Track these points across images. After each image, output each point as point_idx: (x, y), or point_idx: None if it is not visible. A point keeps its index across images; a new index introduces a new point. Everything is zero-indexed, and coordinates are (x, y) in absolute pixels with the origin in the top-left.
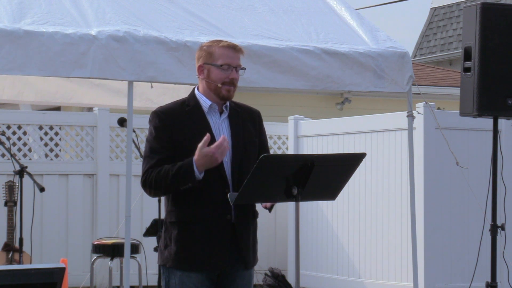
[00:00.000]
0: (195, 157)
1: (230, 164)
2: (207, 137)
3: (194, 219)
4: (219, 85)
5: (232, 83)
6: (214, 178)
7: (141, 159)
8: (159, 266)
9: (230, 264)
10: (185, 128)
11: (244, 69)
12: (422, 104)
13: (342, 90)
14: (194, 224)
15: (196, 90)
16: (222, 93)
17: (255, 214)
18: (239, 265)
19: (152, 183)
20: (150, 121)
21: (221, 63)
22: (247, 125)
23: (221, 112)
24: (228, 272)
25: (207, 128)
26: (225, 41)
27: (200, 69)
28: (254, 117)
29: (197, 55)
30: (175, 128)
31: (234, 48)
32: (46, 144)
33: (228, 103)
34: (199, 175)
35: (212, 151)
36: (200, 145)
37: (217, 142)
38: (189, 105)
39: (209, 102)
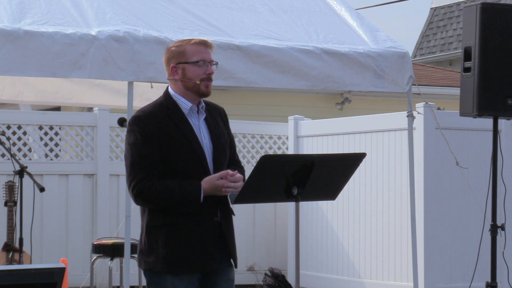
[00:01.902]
0: (205, 186)
1: (212, 166)
2: (225, 171)
3: (182, 221)
4: (198, 82)
5: (210, 78)
6: (201, 180)
7: None
8: (144, 270)
9: (218, 263)
10: (169, 131)
11: (217, 63)
12: (422, 104)
13: (342, 90)
14: (182, 227)
15: (171, 91)
16: (201, 89)
17: (233, 213)
18: (224, 263)
19: (149, 199)
20: (133, 125)
21: (197, 59)
22: (220, 124)
23: (198, 113)
24: (214, 270)
25: (189, 130)
26: (194, 39)
27: (174, 69)
28: (222, 115)
29: (167, 57)
30: (160, 132)
31: (205, 44)
32: (46, 144)
33: (203, 103)
34: (201, 201)
35: (226, 185)
36: (215, 176)
37: (235, 177)
38: (168, 108)
39: (189, 104)
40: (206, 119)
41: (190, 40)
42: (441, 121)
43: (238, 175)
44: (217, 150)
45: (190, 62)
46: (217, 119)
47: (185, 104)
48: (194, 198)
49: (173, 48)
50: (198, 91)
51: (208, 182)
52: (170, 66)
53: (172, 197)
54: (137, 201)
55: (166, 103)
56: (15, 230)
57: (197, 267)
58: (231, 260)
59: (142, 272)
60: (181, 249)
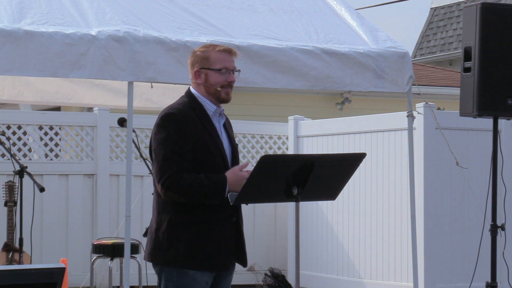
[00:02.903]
0: (230, 176)
1: (231, 167)
2: (246, 163)
3: (206, 219)
4: (219, 88)
5: (230, 85)
6: None
7: (141, 159)
8: (160, 266)
9: (233, 262)
10: (198, 131)
11: (239, 71)
12: (422, 104)
13: (342, 90)
14: (206, 224)
15: (195, 92)
16: (221, 96)
17: None
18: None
19: (180, 190)
20: (166, 122)
21: (220, 67)
22: (231, 129)
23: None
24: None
25: (214, 131)
26: (220, 45)
27: (197, 74)
28: (229, 120)
29: (192, 60)
30: (191, 131)
31: (230, 52)
32: (46, 144)
33: (223, 107)
34: (227, 194)
35: (248, 176)
36: (237, 167)
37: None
38: (195, 108)
39: (214, 107)
40: (224, 124)
41: (215, 46)
42: (441, 121)
43: None
44: (234, 152)
45: (213, 69)
46: (228, 124)
47: (210, 106)
48: (220, 188)
49: (198, 52)
50: (218, 97)
51: (231, 173)
52: (194, 70)
53: (201, 188)
54: (166, 194)
55: (191, 104)
56: (15, 230)
57: (219, 265)
58: (241, 258)
59: (142, 272)
60: (206, 246)
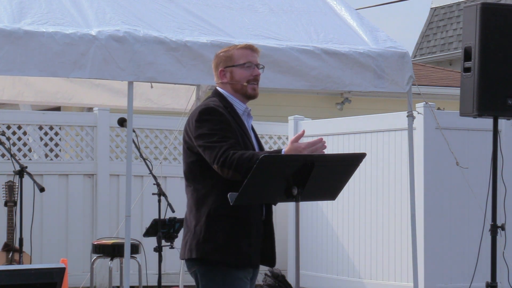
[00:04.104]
0: (286, 148)
1: None
2: (302, 132)
3: (242, 213)
4: (245, 83)
5: (256, 79)
6: None
7: (141, 159)
8: (193, 259)
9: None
10: (234, 124)
11: (263, 67)
12: (422, 104)
13: (342, 90)
14: (241, 218)
15: (223, 91)
16: (248, 92)
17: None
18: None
19: (233, 163)
20: (208, 115)
21: (244, 61)
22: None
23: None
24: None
25: (245, 130)
26: (241, 44)
27: (222, 73)
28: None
29: (215, 62)
30: (232, 123)
31: (252, 48)
32: (46, 144)
33: (249, 108)
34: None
35: (302, 147)
36: (292, 138)
37: (312, 141)
38: (226, 107)
39: (243, 106)
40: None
41: (236, 45)
42: (441, 121)
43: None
44: (260, 150)
45: (237, 65)
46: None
47: (240, 105)
48: (274, 153)
49: (221, 54)
50: (245, 93)
51: (289, 145)
52: (219, 70)
53: (253, 157)
54: (223, 171)
55: (222, 102)
56: (15, 230)
57: (250, 261)
58: (269, 259)
59: (142, 272)
60: (241, 241)
